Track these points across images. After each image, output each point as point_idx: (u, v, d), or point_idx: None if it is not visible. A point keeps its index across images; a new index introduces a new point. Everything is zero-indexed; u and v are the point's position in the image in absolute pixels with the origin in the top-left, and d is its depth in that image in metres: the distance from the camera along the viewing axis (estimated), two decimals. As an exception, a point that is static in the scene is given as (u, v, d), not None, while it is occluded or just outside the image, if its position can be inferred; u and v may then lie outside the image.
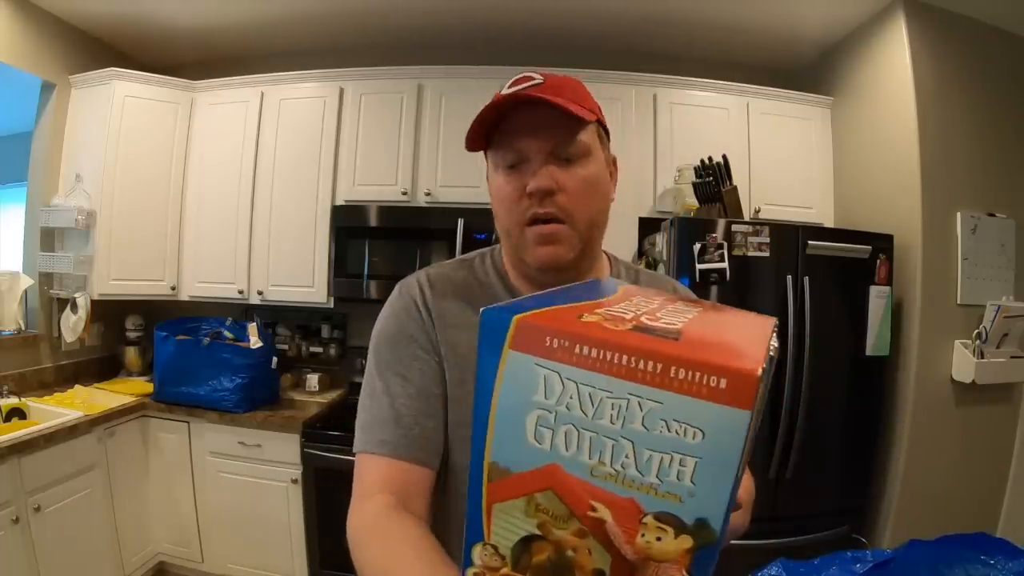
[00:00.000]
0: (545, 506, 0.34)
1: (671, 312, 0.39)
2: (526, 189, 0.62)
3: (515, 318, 0.33)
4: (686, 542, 0.30)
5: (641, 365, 0.30)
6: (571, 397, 0.32)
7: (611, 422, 0.31)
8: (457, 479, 0.66)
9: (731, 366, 0.28)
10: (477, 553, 0.37)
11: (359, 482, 0.63)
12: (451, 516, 0.65)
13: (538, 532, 0.35)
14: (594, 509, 0.33)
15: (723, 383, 0.28)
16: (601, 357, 0.31)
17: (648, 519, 0.31)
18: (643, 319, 0.35)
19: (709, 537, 0.30)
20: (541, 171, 0.62)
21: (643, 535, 0.31)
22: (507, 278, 0.73)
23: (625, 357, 0.30)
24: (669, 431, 0.30)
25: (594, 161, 0.65)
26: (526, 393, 0.33)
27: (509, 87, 0.64)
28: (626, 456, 0.31)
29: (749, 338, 0.32)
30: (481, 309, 0.35)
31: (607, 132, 0.71)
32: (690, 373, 0.29)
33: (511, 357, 0.34)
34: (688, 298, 0.50)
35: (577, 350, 0.31)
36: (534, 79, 0.63)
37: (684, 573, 0.31)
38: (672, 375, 0.29)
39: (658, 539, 0.31)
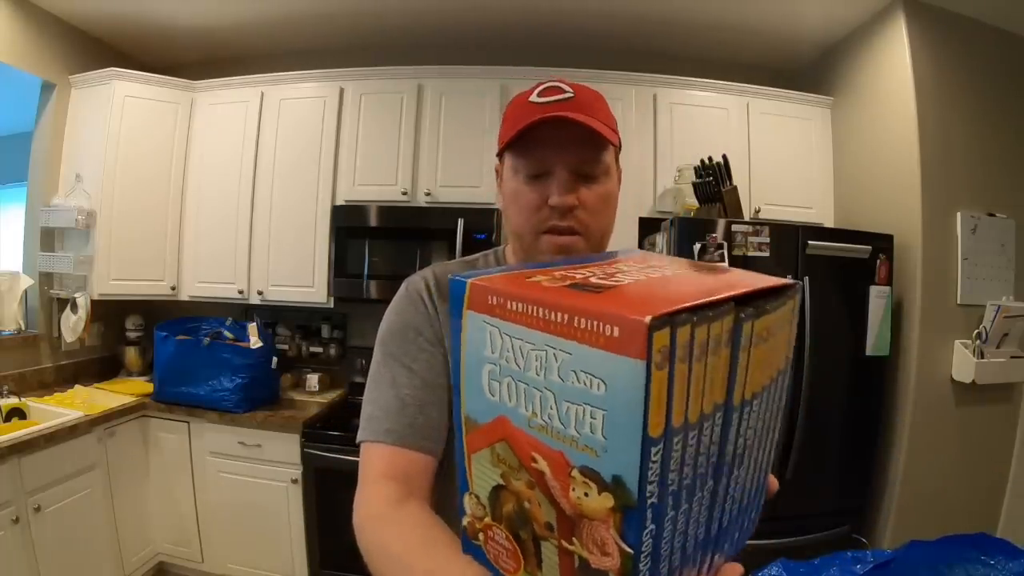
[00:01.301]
0: (503, 456, 0.36)
1: (648, 271, 0.38)
2: (548, 201, 0.64)
3: (469, 281, 0.36)
4: (608, 500, 0.30)
5: (553, 317, 0.31)
6: (508, 350, 0.34)
7: (536, 373, 0.32)
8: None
9: (623, 314, 0.27)
10: (467, 503, 0.40)
11: (363, 470, 0.64)
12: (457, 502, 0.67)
13: (502, 482, 0.37)
14: (535, 460, 0.33)
15: (616, 331, 0.27)
16: (525, 311, 0.32)
17: (575, 473, 0.31)
18: (592, 278, 0.35)
19: (627, 498, 0.29)
20: (566, 188, 0.64)
21: (574, 490, 0.31)
22: None
23: (541, 310, 0.31)
24: (579, 382, 0.30)
25: (611, 178, 0.68)
26: (480, 348, 0.36)
27: (540, 95, 0.65)
28: (551, 407, 0.32)
29: (689, 293, 0.31)
30: (448, 277, 0.38)
31: (620, 148, 0.73)
32: (590, 323, 0.29)
33: (468, 316, 0.37)
34: (712, 264, 0.49)
35: (509, 306, 0.33)
36: (565, 92, 0.65)
37: (613, 533, 0.30)
38: (576, 325, 0.29)
39: (586, 495, 0.31)
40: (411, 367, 0.68)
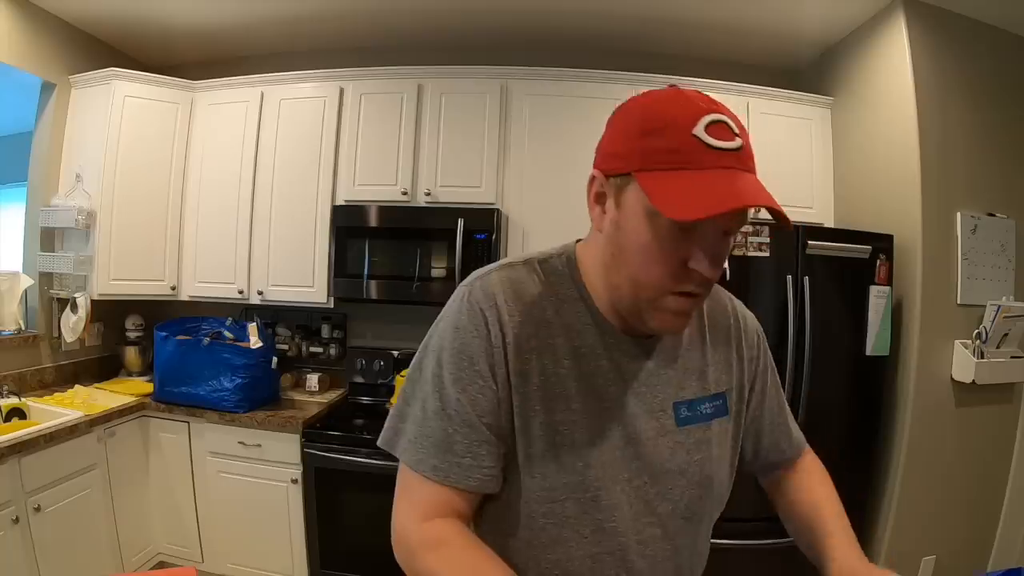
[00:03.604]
0: None
1: None
2: (690, 264, 0.55)
3: None
4: None
5: None
6: None
7: None
8: (528, 511, 0.63)
9: None
10: None
11: (412, 499, 0.62)
12: (529, 548, 0.64)
13: None
14: None
15: None
16: None
17: None
18: None
19: None
20: (721, 258, 0.57)
21: None
22: (591, 301, 0.65)
23: None
24: None
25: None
26: None
27: (708, 132, 0.52)
28: None
29: None
30: None
31: None
32: None
33: None
34: None
35: None
36: (734, 138, 0.53)
37: None
38: None
39: None
40: (460, 400, 0.60)
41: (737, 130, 0.54)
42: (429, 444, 0.61)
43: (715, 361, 0.71)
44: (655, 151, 0.53)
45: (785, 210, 0.55)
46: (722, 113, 0.54)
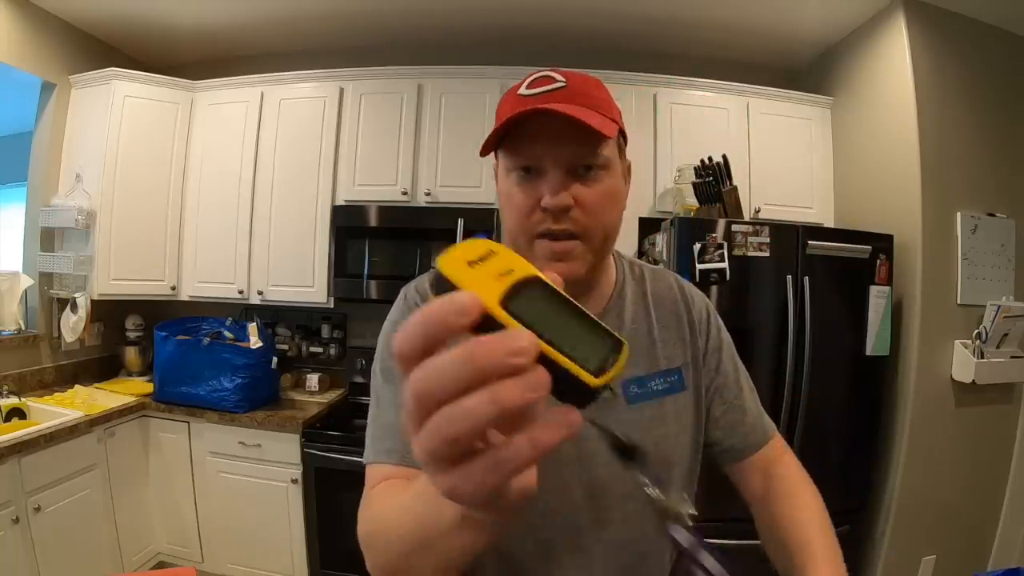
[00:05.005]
0: None
1: None
2: (541, 203, 0.59)
3: None
4: None
5: None
6: None
7: None
8: None
9: None
10: None
11: (367, 488, 0.64)
12: None
13: None
14: None
15: None
16: None
17: None
18: None
19: None
20: (559, 187, 0.59)
21: None
22: None
23: None
24: None
25: (612, 174, 0.63)
26: None
27: (529, 87, 0.60)
28: None
29: None
30: None
31: (625, 138, 0.68)
32: None
33: None
34: None
35: None
36: (556, 81, 0.59)
37: None
38: None
39: None
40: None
41: (562, 77, 0.60)
42: (383, 432, 0.64)
43: (664, 338, 0.72)
44: (497, 118, 0.62)
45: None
46: (553, 70, 0.61)
